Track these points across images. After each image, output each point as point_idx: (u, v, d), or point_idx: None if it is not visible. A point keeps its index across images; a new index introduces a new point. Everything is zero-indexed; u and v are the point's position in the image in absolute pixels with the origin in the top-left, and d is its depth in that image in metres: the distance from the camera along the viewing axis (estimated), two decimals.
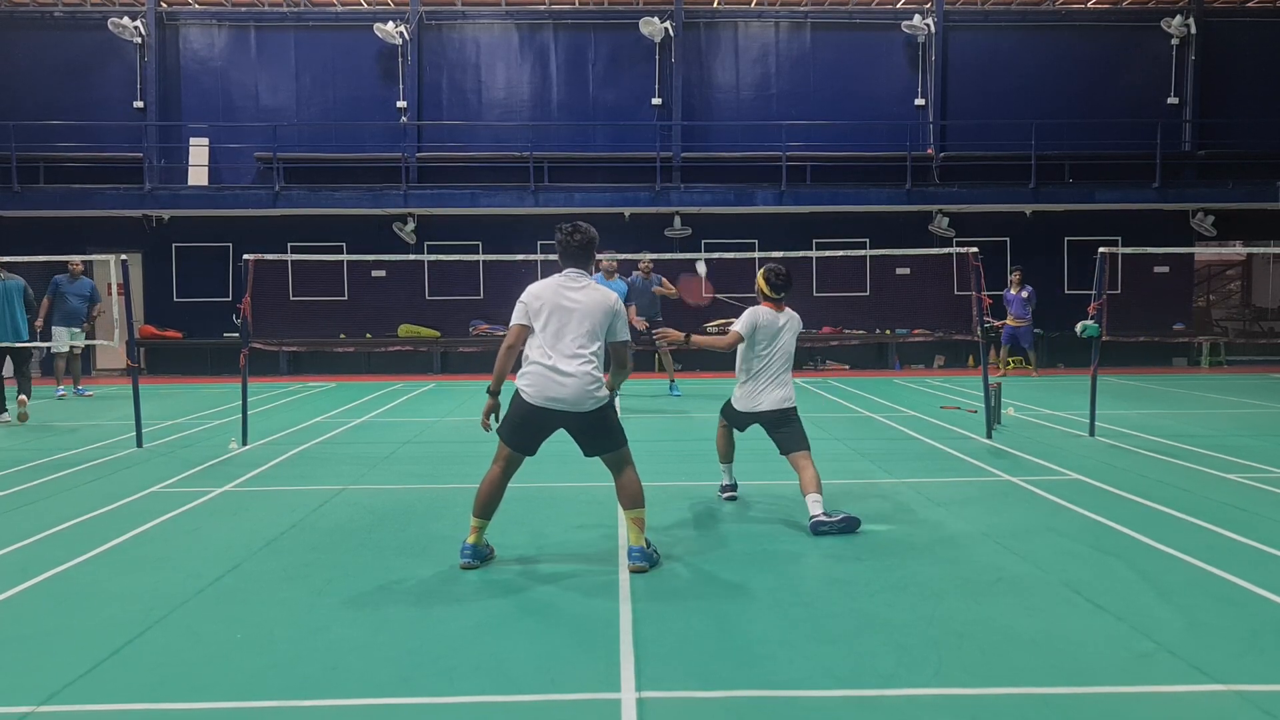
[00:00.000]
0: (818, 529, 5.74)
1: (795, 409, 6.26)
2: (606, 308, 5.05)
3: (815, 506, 5.81)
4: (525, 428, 5.04)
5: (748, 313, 6.24)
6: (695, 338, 6.37)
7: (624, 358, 5.23)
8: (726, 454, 6.81)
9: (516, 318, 5.06)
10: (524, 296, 5.08)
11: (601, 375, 5.03)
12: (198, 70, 19.52)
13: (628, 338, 5.18)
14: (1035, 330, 18.36)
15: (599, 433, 5.08)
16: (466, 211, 18.53)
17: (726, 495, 6.79)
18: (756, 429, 6.45)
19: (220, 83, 19.51)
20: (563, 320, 4.98)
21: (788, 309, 6.38)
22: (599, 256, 12.24)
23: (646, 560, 5.02)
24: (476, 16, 19.64)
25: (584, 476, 7.60)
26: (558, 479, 7.43)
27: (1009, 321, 16.56)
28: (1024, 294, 16.55)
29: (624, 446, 5.14)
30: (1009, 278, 16.77)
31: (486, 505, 5.13)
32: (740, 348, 6.25)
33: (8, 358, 11.92)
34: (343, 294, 18.91)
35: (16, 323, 11.85)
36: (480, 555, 5.16)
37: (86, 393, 14.29)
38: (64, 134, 18.74)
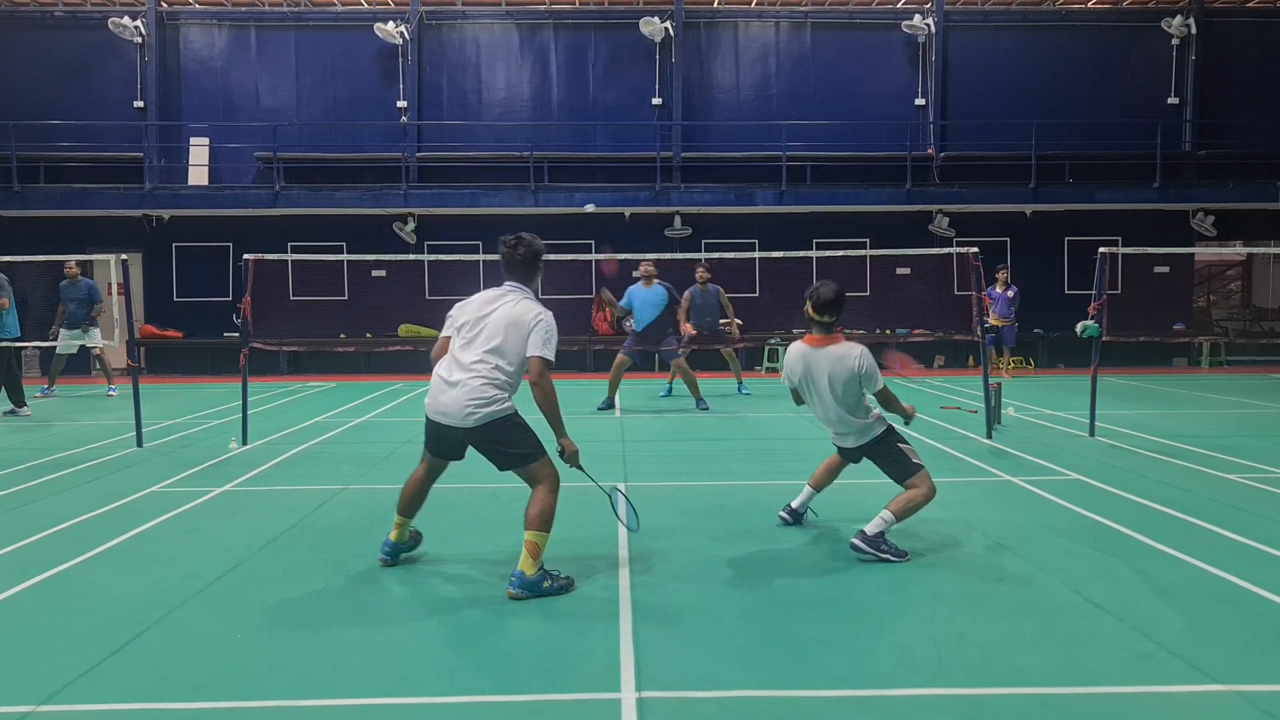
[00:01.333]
0: (853, 548, 5.22)
1: (882, 438, 5.49)
2: (515, 320, 4.69)
3: (873, 524, 5.22)
4: (430, 435, 4.96)
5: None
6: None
7: (535, 373, 4.68)
8: (818, 478, 6.02)
9: (444, 328, 4.95)
10: (453, 309, 4.95)
11: (499, 391, 4.66)
12: (198, 70, 19.51)
13: (543, 355, 4.68)
14: (1036, 330, 18.39)
15: (497, 448, 4.76)
16: (466, 211, 18.52)
17: (783, 514, 6.04)
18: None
19: (220, 82, 19.51)
20: (475, 331, 4.76)
21: (840, 343, 5.37)
22: (643, 264, 12.20)
23: (525, 589, 4.56)
24: (476, 16, 19.63)
25: (583, 477, 7.59)
26: None
27: (993, 321, 16.34)
28: (1010, 293, 16.25)
29: (533, 463, 4.74)
30: (995, 276, 16.39)
31: (408, 504, 5.16)
32: None
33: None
34: (343, 294, 18.89)
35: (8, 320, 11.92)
36: (397, 552, 5.18)
37: (112, 391, 14.36)
38: (64, 134, 18.73)
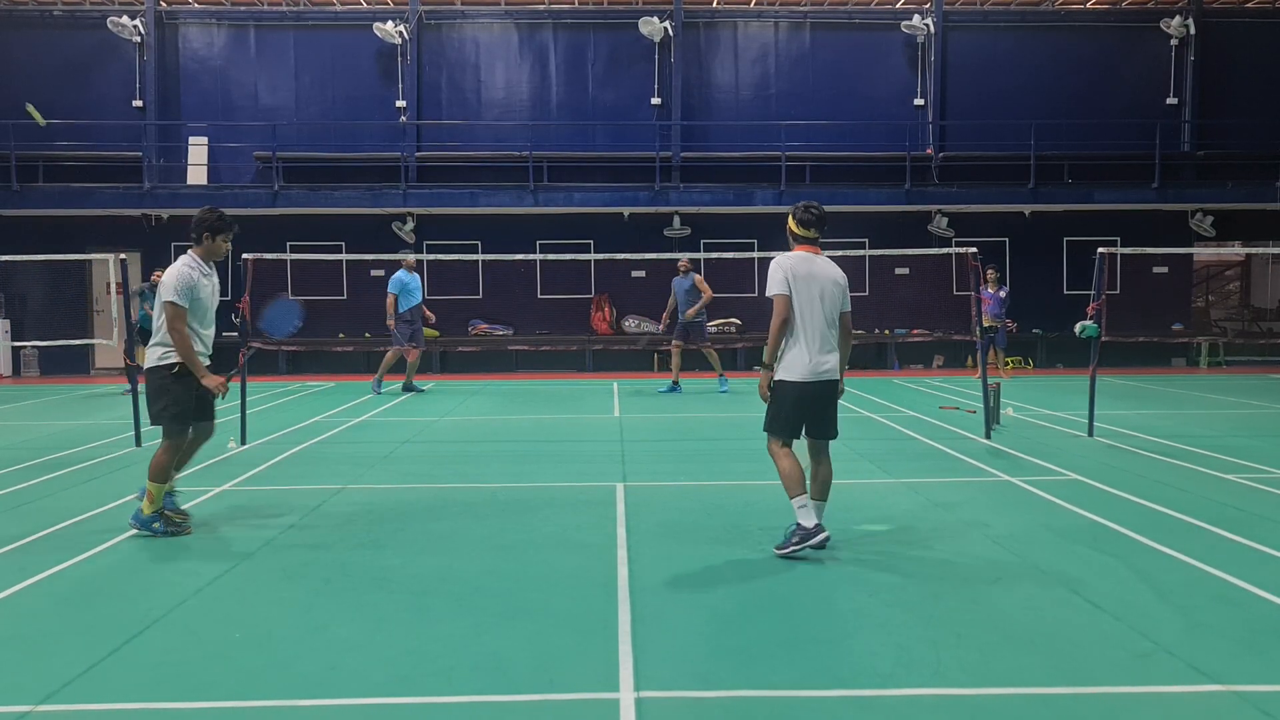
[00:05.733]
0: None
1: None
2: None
3: (816, 515, 5.23)
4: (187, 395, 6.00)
5: (773, 265, 5.26)
6: (766, 363, 5.34)
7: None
8: (801, 478, 5.26)
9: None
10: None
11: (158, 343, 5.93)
12: (197, 69, 19.50)
13: (168, 299, 6.07)
14: (1035, 330, 18.40)
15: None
16: (466, 211, 18.52)
17: (819, 540, 5.16)
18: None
19: (219, 82, 19.49)
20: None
21: (825, 256, 5.41)
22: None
23: (139, 524, 5.74)
24: (476, 16, 19.62)
25: (582, 476, 7.62)
26: (555, 479, 7.43)
27: (986, 321, 15.94)
28: (1001, 293, 15.81)
29: (160, 423, 5.85)
30: (985, 275, 15.33)
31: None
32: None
33: None
34: (341, 293, 18.89)
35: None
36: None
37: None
38: (63, 133, 18.72)
